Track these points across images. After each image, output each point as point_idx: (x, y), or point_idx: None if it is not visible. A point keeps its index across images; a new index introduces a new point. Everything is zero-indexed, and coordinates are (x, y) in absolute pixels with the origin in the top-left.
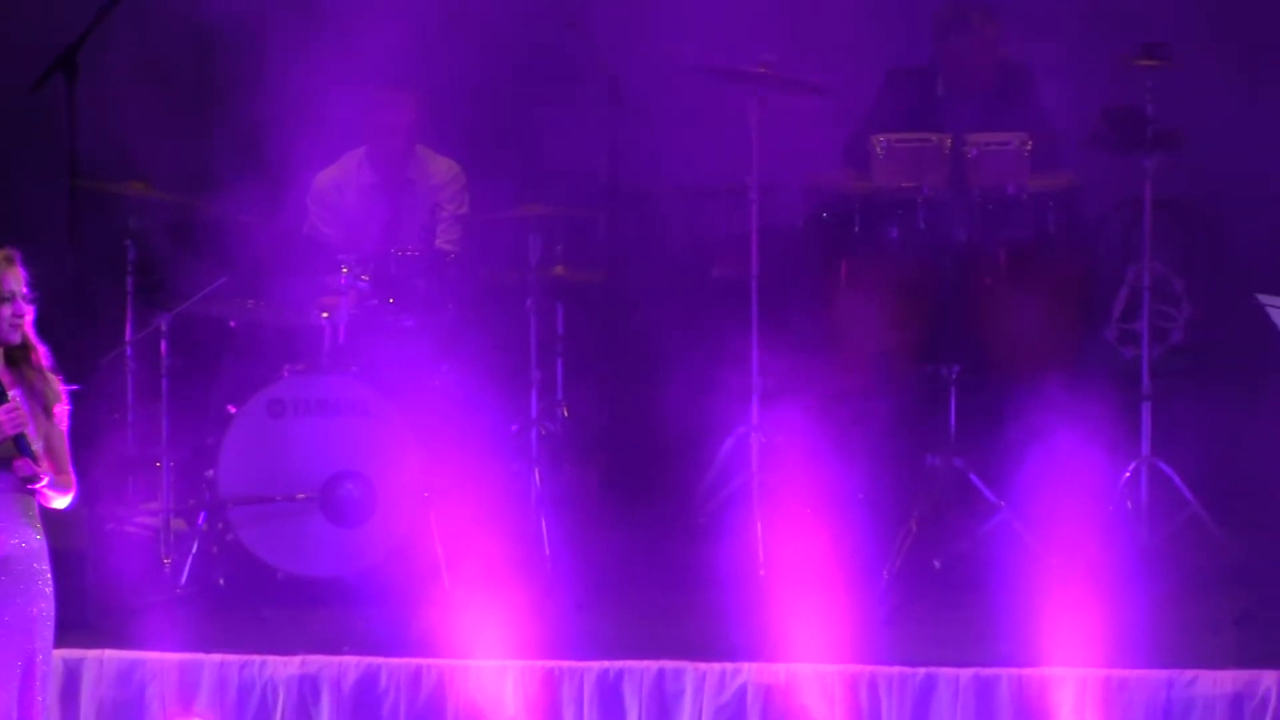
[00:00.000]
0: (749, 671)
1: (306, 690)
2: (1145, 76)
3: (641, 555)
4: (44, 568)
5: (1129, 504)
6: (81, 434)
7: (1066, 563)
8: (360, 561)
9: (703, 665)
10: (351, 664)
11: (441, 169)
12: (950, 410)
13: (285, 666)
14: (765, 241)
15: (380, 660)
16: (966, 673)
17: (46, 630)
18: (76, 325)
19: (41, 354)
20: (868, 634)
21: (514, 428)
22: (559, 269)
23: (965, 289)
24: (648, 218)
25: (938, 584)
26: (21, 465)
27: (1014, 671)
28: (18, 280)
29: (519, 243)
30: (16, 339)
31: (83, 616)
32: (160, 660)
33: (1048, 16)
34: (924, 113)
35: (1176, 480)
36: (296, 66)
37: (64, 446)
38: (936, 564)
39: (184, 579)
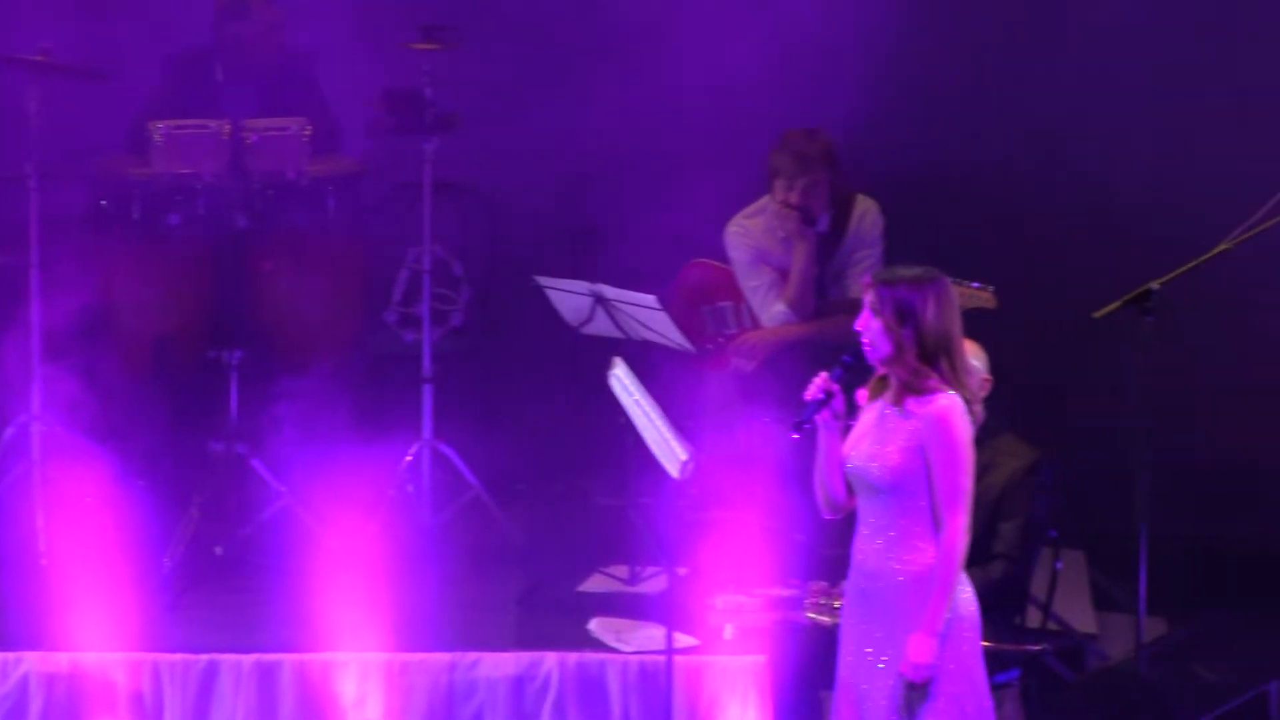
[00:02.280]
0: (30, 661)
1: None
2: (423, 60)
3: None
4: None
5: (411, 487)
6: None
7: (349, 547)
8: None
9: None
10: None
11: None
12: (232, 396)
13: None
14: (47, 229)
15: None
16: (249, 659)
17: None
18: None
19: None
20: (151, 622)
21: None
22: None
23: (247, 275)
24: None
25: (220, 570)
26: None
27: (296, 657)
28: None
29: None
30: None
31: None
32: None
33: (328, 2)
34: (203, 98)
35: (458, 462)
36: None
37: None
38: (218, 550)
39: None
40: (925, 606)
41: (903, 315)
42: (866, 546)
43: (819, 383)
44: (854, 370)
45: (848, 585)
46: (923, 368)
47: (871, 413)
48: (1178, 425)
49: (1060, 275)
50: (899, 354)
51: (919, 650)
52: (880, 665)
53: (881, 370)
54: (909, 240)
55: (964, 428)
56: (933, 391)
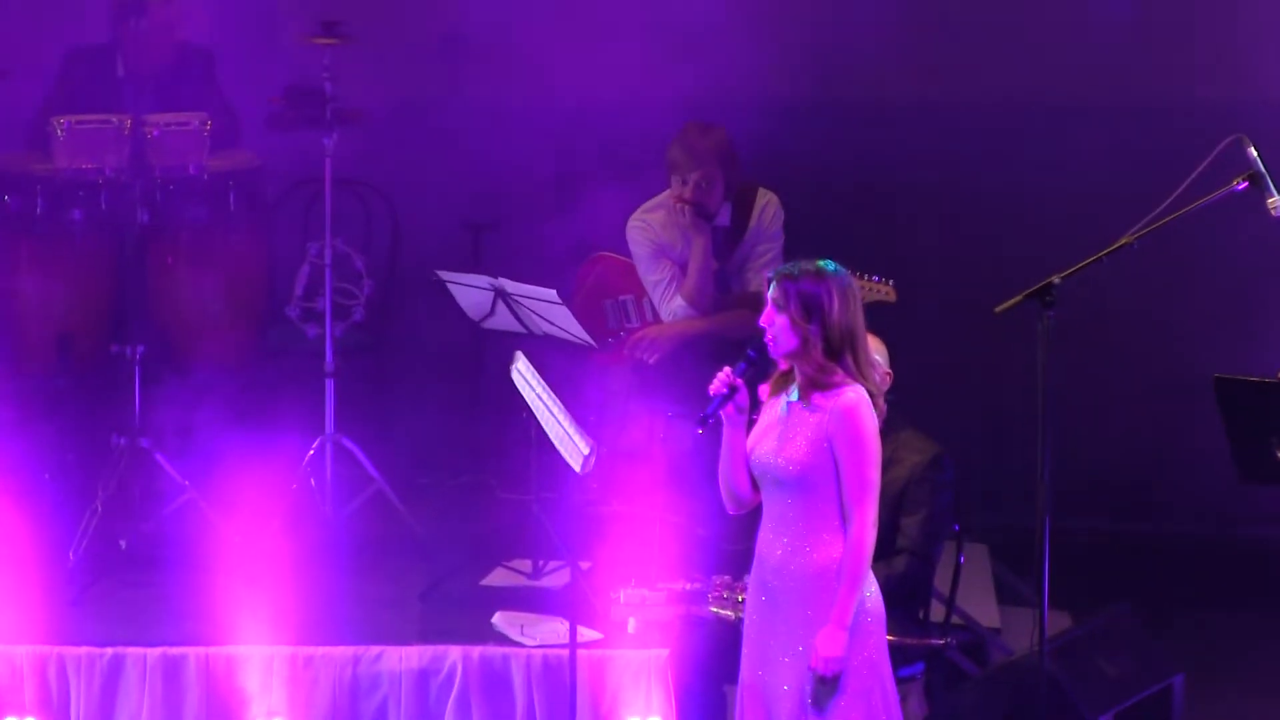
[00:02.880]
0: None
1: None
2: (324, 54)
3: None
4: None
5: (313, 481)
6: None
7: (252, 541)
8: None
9: None
10: None
11: None
12: (135, 390)
13: None
14: None
15: None
16: (154, 652)
17: None
18: None
19: None
20: (55, 615)
21: None
22: None
23: (148, 269)
24: None
25: (124, 564)
26: None
27: (201, 650)
28: None
29: None
30: None
31: None
32: None
33: None
34: (104, 93)
35: (360, 456)
36: None
37: None
38: (122, 544)
39: None
40: (834, 600)
41: (808, 310)
42: (772, 541)
43: (723, 377)
44: (758, 365)
45: (751, 580)
46: (828, 363)
47: (775, 407)
48: (1080, 420)
49: (961, 270)
50: (805, 349)
51: (829, 644)
52: (786, 660)
53: (785, 365)
54: (811, 235)
55: (871, 421)
56: (838, 386)
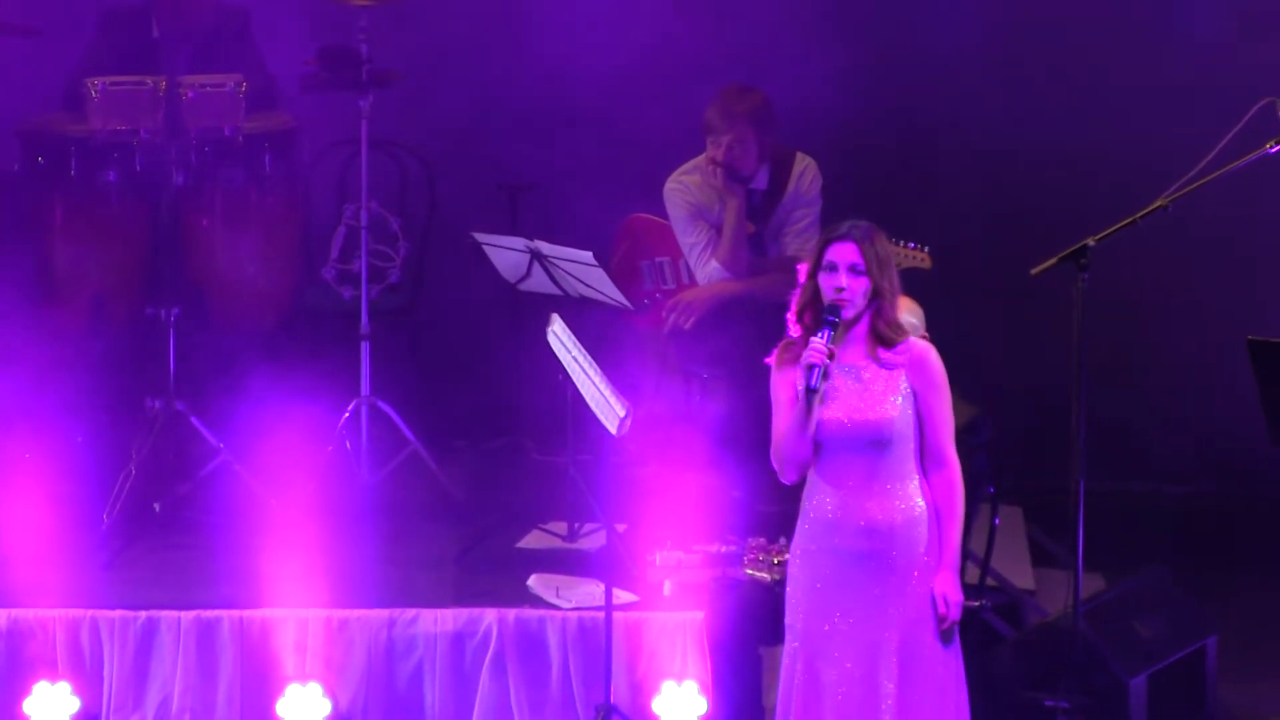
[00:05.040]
0: None
1: None
2: (359, 16)
3: None
4: None
5: (349, 444)
6: None
7: (287, 504)
8: None
9: None
10: None
11: None
12: (170, 353)
13: None
14: None
15: None
16: (188, 615)
17: None
18: None
19: None
20: (89, 578)
21: None
22: None
23: (183, 231)
24: None
25: (159, 527)
26: None
27: (235, 613)
28: None
29: None
30: None
31: None
32: None
33: None
34: (139, 54)
35: (396, 419)
36: None
37: None
38: (156, 507)
39: None
40: (941, 544)
41: (884, 267)
42: (855, 503)
43: (820, 345)
44: (840, 329)
45: (817, 544)
46: (894, 316)
47: (836, 372)
48: (1115, 381)
49: (1001, 231)
50: (880, 306)
51: (951, 587)
52: (901, 615)
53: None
54: (849, 197)
55: (943, 366)
56: (901, 338)
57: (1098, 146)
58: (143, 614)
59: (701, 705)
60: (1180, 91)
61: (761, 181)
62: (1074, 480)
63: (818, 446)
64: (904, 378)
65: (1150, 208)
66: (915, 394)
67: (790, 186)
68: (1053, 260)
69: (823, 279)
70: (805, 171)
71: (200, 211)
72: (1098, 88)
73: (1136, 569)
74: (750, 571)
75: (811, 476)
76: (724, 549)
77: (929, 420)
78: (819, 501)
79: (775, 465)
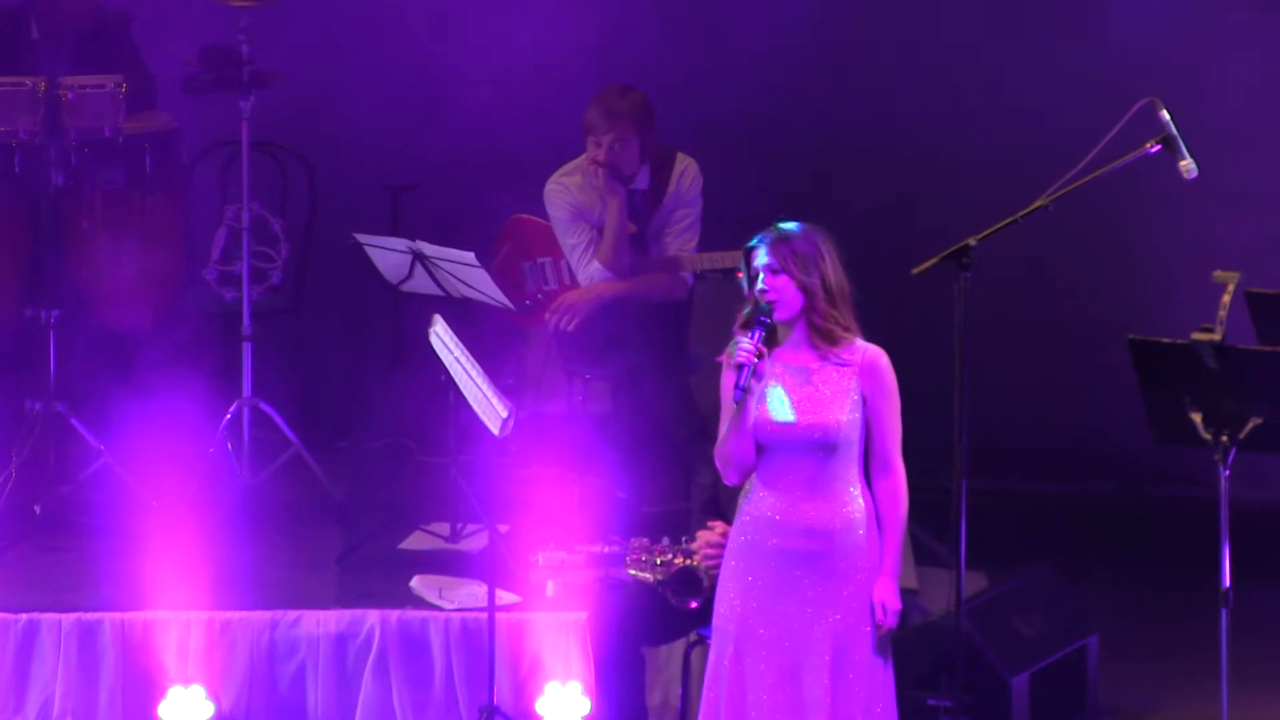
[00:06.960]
0: None
1: None
2: (241, 16)
3: None
4: None
5: (230, 445)
6: None
7: (169, 505)
8: None
9: None
10: None
11: None
12: (51, 354)
13: None
14: None
15: None
16: (69, 618)
17: None
18: None
19: None
20: None
21: None
22: None
23: (64, 233)
24: None
25: (39, 529)
26: None
27: (117, 616)
28: None
29: None
30: None
31: None
32: None
33: None
34: (18, 55)
35: (278, 420)
36: None
37: None
38: (37, 509)
39: None
40: (884, 552)
41: (806, 265)
42: (796, 504)
43: (748, 346)
44: (771, 330)
45: (756, 542)
46: (832, 311)
47: (784, 374)
48: (997, 380)
49: (883, 233)
50: (811, 303)
51: (892, 595)
52: (835, 619)
53: (801, 326)
54: (740, 196)
55: (893, 371)
56: (849, 340)
57: (978, 145)
58: (23, 616)
59: (585, 706)
60: (1063, 89)
61: (643, 181)
62: (956, 479)
63: (762, 448)
64: (855, 382)
65: (1031, 207)
66: (865, 399)
67: (671, 186)
68: (935, 260)
69: (754, 289)
70: (686, 171)
71: (80, 213)
72: (982, 87)
73: (1018, 568)
74: (633, 572)
75: (753, 478)
76: (607, 549)
77: (878, 426)
78: (760, 501)
79: (719, 465)
